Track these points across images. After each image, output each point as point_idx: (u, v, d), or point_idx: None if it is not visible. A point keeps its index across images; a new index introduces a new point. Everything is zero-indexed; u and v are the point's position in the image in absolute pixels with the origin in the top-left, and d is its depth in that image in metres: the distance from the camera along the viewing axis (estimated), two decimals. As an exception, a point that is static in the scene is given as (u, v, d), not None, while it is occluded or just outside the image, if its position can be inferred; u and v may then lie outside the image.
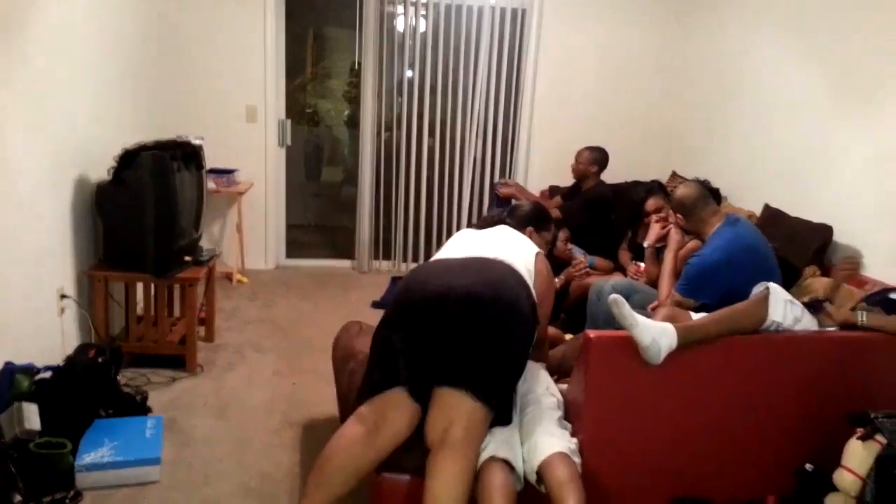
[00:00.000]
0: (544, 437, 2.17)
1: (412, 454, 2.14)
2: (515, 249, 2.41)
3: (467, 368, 2.07)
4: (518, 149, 5.41)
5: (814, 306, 2.51)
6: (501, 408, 2.17)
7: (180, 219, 3.36)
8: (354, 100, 5.35)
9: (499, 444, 2.16)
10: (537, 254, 2.47)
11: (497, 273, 2.24)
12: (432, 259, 2.44)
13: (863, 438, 2.13)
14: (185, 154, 3.47)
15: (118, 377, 3.01)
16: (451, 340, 2.09)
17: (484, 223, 2.77)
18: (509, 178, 5.39)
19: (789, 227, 3.60)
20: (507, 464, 2.12)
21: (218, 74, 4.87)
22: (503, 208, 4.79)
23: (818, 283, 3.09)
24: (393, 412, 2.11)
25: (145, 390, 3.09)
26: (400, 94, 5.19)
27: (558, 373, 2.68)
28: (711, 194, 3.21)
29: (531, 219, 2.82)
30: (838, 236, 3.41)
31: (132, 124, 3.89)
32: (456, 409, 2.05)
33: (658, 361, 2.22)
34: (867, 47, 3.35)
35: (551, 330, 3.29)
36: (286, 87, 5.24)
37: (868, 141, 3.33)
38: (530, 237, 2.65)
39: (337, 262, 5.64)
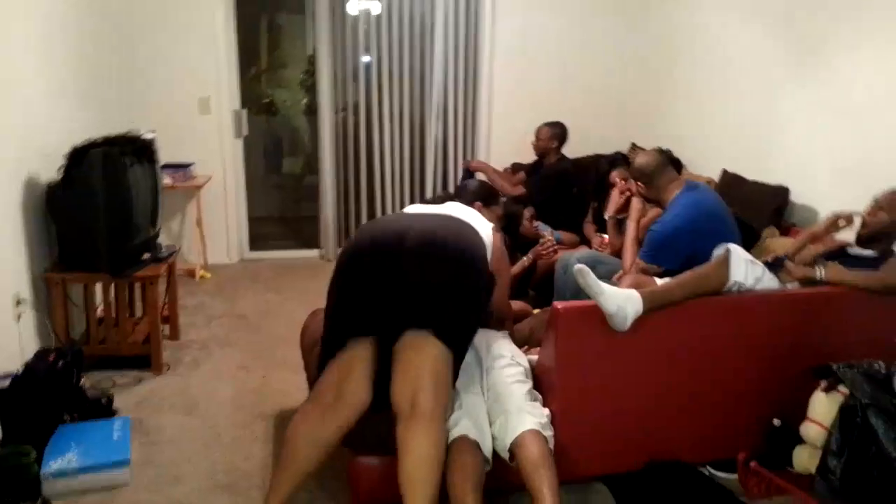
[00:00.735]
0: (515, 413, 2.18)
1: (377, 423, 2.12)
2: (471, 217, 2.40)
3: (429, 308, 2.07)
4: (479, 128, 5.40)
5: (774, 264, 2.54)
6: (460, 353, 2.15)
7: (135, 216, 3.29)
8: (312, 88, 5.27)
9: (468, 423, 2.15)
10: (493, 227, 2.47)
11: (454, 223, 2.27)
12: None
13: (826, 390, 2.18)
14: (136, 149, 3.38)
15: (81, 381, 2.94)
16: (409, 280, 2.08)
17: (432, 201, 2.78)
18: (472, 157, 5.39)
19: (747, 190, 3.65)
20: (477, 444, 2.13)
21: (168, 66, 4.76)
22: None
23: (777, 244, 3.14)
24: (350, 381, 2.09)
25: (110, 392, 3.02)
26: (356, 79, 5.13)
27: (528, 344, 2.69)
28: (672, 163, 3.23)
29: (479, 194, 2.86)
30: (795, 197, 3.46)
31: (81, 121, 3.77)
32: (424, 359, 2.03)
33: (625, 328, 2.24)
34: (814, 10, 3.38)
35: (518, 304, 3.30)
36: (241, 77, 5.14)
37: (818, 102, 3.38)
38: (480, 212, 2.65)
39: (303, 252, 5.58)
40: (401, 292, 2.08)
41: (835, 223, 2.81)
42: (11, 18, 3.10)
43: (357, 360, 2.11)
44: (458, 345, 2.13)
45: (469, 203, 2.71)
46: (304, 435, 2.07)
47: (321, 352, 2.23)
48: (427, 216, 2.35)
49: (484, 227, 2.39)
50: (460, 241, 2.20)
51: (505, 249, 2.57)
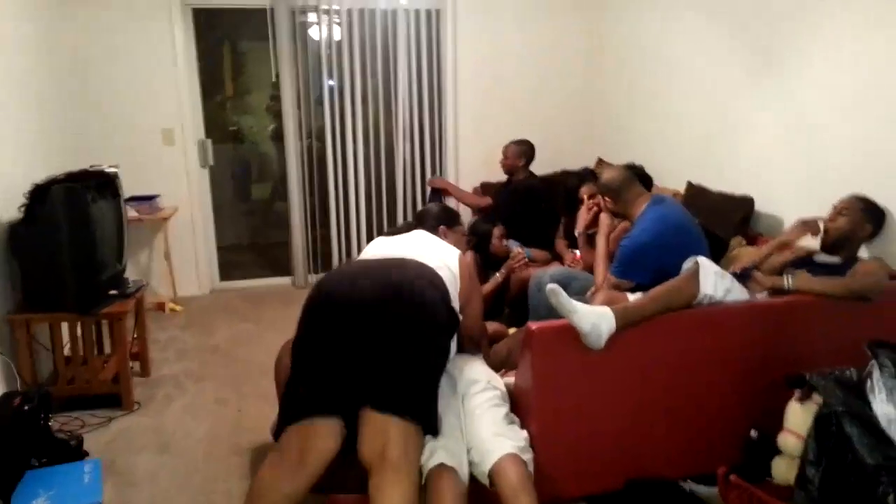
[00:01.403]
0: (493, 438, 2.16)
1: (353, 471, 2.09)
2: (431, 250, 2.38)
3: (385, 387, 2.04)
4: (446, 148, 5.41)
5: (742, 275, 2.57)
6: (428, 420, 2.13)
7: (100, 251, 3.23)
8: (278, 114, 5.24)
9: (444, 452, 2.13)
10: (459, 255, 2.46)
11: (404, 273, 2.21)
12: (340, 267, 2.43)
13: (801, 400, 2.19)
14: (99, 184, 3.33)
15: (49, 423, 2.86)
16: (358, 354, 2.06)
17: (397, 231, 2.75)
18: (441, 176, 5.41)
19: (713, 201, 3.70)
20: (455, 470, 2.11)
21: (128, 98, 4.70)
22: (438, 200, 4.83)
23: (745, 253, 3.18)
24: (316, 438, 2.06)
25: (80, 434, 2.95)
26: (321, 103, 5.11)
27: (504, 367, 2.68)
28: (644, 181, 3.27)
29: (440, 218, 2.84)
30: (760, 206, 3.51)
31: (41, 157, 3.71)
32: (386, 430, 2.01)
33: (600, 346, 2.24)
34: (773, 21, 3.46)
35: (494, 325, 3.30)
36: (205, 105, 5.09)
37: (779, 112, 3.45)
38: (444, 236, 2.66)
39: (274, 280, 5.52)
40: (355, 363, 2.06)
41: (801, 230, 2.86)
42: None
43: (320, 420, 2.08)
44: (423, 410, 2.11)
45: (433, 229, 2.71)
46: (275, 496, 2.03)
47: (281, 410, 2.18)
48: (375, 272, 2.23)
49: (450, 256, 2.38)
50: (417, 294, 2.14)
51: (475, 273, 2.55)
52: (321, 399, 2.08)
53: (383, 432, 2.01)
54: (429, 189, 5.35)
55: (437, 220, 2.83)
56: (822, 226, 2.81)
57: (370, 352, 2.06)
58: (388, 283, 2.15)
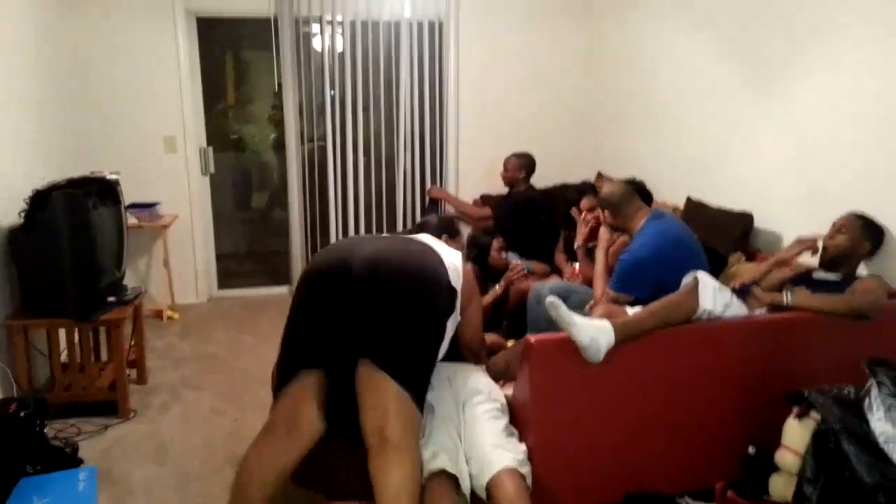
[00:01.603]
0: (492, 451, 2.16)
1: (353, 474, 2.08)
2: (437, 246, 2.36)
3: (382, 343, 2.04)
4: (447, 160, 5.42)
5: (741, 291, 2.57)
6: (421, 392, 2.12)
7: (100, 258, 3.23)
8: (279, 123, 5.25)
9: (447, 457, 2.13)
10: (464, 259, 2.45)
11: (415, 245, 2.24)
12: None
13: (799, 416, 2.19)
14: (100, 190, 3.34)
15: (45, 430, 2.84)
16: (359, 308, 2.06)
17: (408, 234, 2.76)
18: (441, 187, 5.42)
19: (712, 217, 3.71)
20: (454, 479, 2.10)
21: (131, 105, 4.71)
22: (434, 212, 4.84)
23: (744, 269, 3.18)
24: (302, 413, 2.08)
25: (75, 441, 2.94)
26: (323, 113, 5.13)
27: (503, 378, 2.68)
28: (644, 196, 3.28)
29: (443, 228, 2.81)
30: (759, 222, 3.52)
31: (42, 163, 3.71)
32: (385, 401, 2.01)
33: (599, 359, 2.25)
34: (773, 37, 3.48)
35: (492, 337, 3.29)
36: (207, 113, 5.11)
37: (779, 128, 3.46)
38: (448, 244, 2.63)
39: (273, 289, 5.51)
40: (351, 321, 2.07)
41: (799, 248, 2.86)
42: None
43: (307, 392, 2.09)
44: (417, 382, 2.10)
45: (436, 237, 2.71)
46: (258, 464, 2.07)
47: (275, 381, 2.20)
48: (382, 238, 2.33)
49: (453, 256, 2.35)
50: (415, 261, 2.16)
51: (476, 284, 2.55)
52: (310, 355, 2.11)
53: (382, 403, 2.01)
54: (427, 199, 5.37)
55: (440, 229, 2.82)
56: (820, 244, 2.81)
57: (369, 318, 2.05)
58: (388, 248, 2.17)
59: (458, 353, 2.75)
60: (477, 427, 2.28)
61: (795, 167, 3.36)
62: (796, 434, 2.17)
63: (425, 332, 2.13)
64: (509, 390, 2.49)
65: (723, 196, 3.76)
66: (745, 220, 3.54)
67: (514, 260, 4.15)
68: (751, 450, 2.38)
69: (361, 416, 2.03)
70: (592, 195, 3.95)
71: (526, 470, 2.17)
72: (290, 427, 2.08)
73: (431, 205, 5.26)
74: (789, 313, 2.53)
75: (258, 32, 5.03)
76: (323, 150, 5.18)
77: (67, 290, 3.13)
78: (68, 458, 2.80)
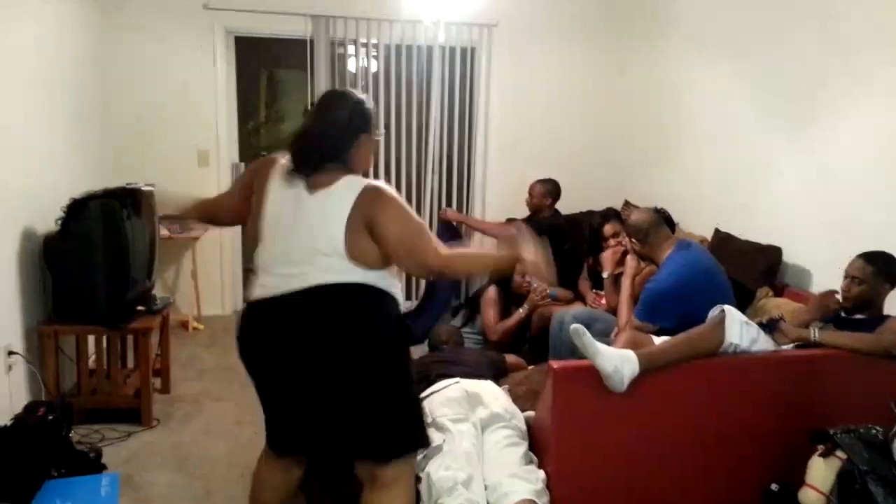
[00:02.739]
0: (509, 480, 2.16)
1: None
2: (324, 234, 1.92)
3: (352, 442, 2.00)
4: (474, 184, 5.46)
5: (768, 326, 2.56)
6: (413, 445, 2.09)
7: (132, 268, 3.28)
8: (309, 140, 5.33)
9: (462, 489, 2.13)
10: (361, 196, 1.90)
11: (310, 303, 1.95)
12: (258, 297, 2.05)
13: (824, 455, 2.16)
14: (135, 201, 3.40)
15: (70, 434, 2.89)
16: (306, 407, 2.01)
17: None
18: (467, 212, 5.44)
19: (740, 249, 3.69)
20: None
21: (168, 120, 4.82)
22: (447, 234, 4.82)
23: (772, 304, 3.16)
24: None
25: (99, 447, 2.98)
26: (354, 133, 5.19)
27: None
28: (666, 222, 3.28)
29: (351, 121, 2.02)
30: (787, 257, 3.50)
31: (80, 173, 3.81)
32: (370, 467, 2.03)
33: (622, 389, 2.24)
34: (803, 68, 3.48)
35: (512, 358, 3.32)
36: (239, 130, 5.21)
37: (808, 163, 3.45)
38: (356, 154, 2.02)
39: (296, 305, 5.54)
40: (314, 416, 2.02)
41: (820, 309, 2.82)
42: (15, 72, 3.16)
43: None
44: (407, 448, 2.05)
45: (346, 142, 2.01)
46: (268, 480, 2.20)
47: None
48: (283, 312, 1.99)
49: (337, 230, 1.90)
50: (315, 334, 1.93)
51: (395, 201, 1.96)
52: (296, 446, 2.13)
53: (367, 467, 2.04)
54: (438, 221, 5.26)
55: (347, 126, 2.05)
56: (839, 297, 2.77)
57: (316, 405, 1.99)
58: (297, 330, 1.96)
59: (482, 369, 2.76)
60: (495, 454, 2.29)
61: (824, 202, 3.34)
62: (821, 473, 2.14)
63: (384, 396, 1.98)
64: (531, 413, 2.49)
65: (751, 229, 3.74)
66: (774, 253, 3.51)
67: (537, 285, 4.15)
68: (774, 487, 2.35)
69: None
70: (616, 221, 3.96)
71: (544, 500, 2.16)
72: (287, 460, 2.18)
73: (443, 228, 5.13)
74: (817, 350, 2.50)
75: (293, 52, 5.13)
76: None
77: (98, 298, 3.19)
78: (92, 464, 2.83)
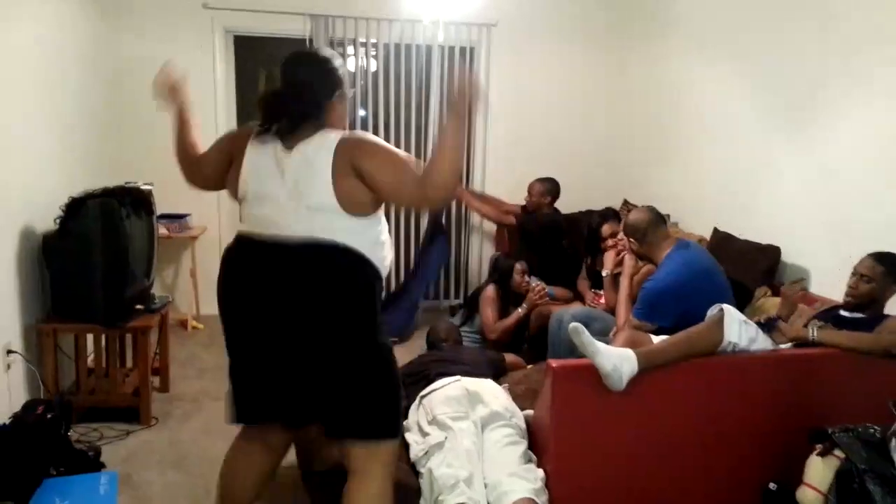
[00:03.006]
0: (509, 479, 2.16)
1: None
2: (310, 188, 1.89)
3: (333, 413, 1.99)
4: (474, 182, 5.45)
5: (766, 325, 2.56)
6: (391, 431, 2.05)
7: (131, 266, 3.29)
8: (308, 140, 5.33)
9: (464, 486, 2.13)
10: (341, 144, 1.88)
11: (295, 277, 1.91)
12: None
13: (822, 454, 2.16)
14: (134, 200, 3.40)
15: (69, 433, 2.89)
16: (288, 375, 1.98)
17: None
18: (464, 212, 5.44)
19: (739, 249, 3.69)
20: None
21: (167, 118, 4.79)
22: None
23: (770, 304, 3.16)
24: (273, 431, 2.15)
25: (98, 446, 2.98)
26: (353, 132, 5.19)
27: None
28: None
29: (325, 80, 2.00)
30: (786, 257, 3.50)
31: (79, 172, 3.81)
32: (347, 446, 2.02)
33: (621, 387, 2.24)
34: (802, 68, 3.48)
35: (511, 357, 3.32)
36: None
37: (808, 163, 3.45)
38: (332, 113, 1.99)
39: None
40: (296, 386, 1.99)
41: (789, 307, 2.87)
42: (15, 71, 3.16)
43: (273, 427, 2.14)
44: (386, 432, 2.02)
45: (316, 108, 1.99)
46: (242, 470, 2.17)
47: (231, 397, 2.15)
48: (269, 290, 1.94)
49: (323, 180, 1.87)
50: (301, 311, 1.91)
51: (384, 148, 1.96)
52: (267, 412, 2.08)
53: (344, 447, 2.04)
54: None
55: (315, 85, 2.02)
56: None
57: (300, 375, 1.97)
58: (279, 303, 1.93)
59: (481, 368, 2.76)
60: (495, 453, 2.29)
61: (823, 202, 3.34)
62: (819, 472, 2.15)
63: (369, 376, 1.97)
64: (531, 412, 2.49)
65: (750, 228, 3.75)
66: (773, 253, 3.52)
67: (536, 284, 4.15)
68: (772, 485, 2.36)
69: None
70: (614, 221, 3.97)
71: (543, 499, 2.16)
72: (266, 442, 2.16)
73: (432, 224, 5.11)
74: (815, 349, 2.51)
75: (293, 51, 5.12)
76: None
77: (97, 297, 3.19)
78: (91, 462, 2.84)
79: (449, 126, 1.87)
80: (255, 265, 1.95)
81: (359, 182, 1.88)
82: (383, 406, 2.00)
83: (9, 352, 3.02)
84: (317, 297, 1.88)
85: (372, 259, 1.94)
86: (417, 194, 1.88)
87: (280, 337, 1.94)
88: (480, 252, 5.51)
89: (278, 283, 1.90)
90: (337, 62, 2.02)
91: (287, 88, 1.97)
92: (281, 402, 2.02)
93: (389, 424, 2.02)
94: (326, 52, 2.04)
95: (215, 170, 2.14)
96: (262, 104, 1.99)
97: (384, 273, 2.00)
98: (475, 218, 5.42)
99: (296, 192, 1.89)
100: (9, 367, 3.02)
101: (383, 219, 2.03)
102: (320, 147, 1.89)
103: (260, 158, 1.96)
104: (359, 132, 1.97)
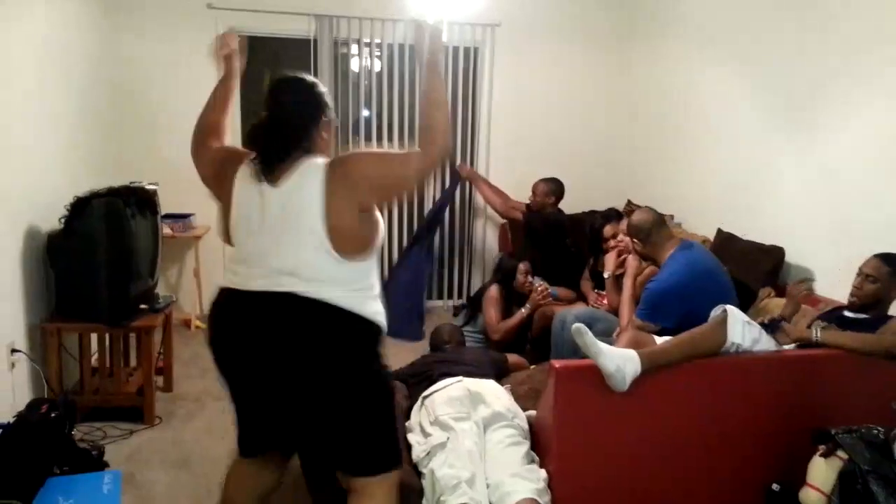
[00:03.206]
0: (511, 479, 2.16)
1: None
2: (301, 225, 1.83)
3: (331, 454, 1.97)
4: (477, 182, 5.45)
5: (770, 326, 2.56)
6: (390, 465, 2.00)
7: (135, 266, 3.30)
8: (312, 140, 5.34)
9: (466, 487, 2.13)
10: (329, 173, 1.83)
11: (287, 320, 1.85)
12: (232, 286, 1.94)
13: (825, 455, 2.16)
14: (138, 200, 3.41)
15: (73, 432, 2.90)
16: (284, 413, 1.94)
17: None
18: (470, 210, 5.44)
19: (742, 249, 3.69)
20: None
21: (172, 118, 4.79)
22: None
23: (774, 304, 3.16)
24: (273, 458, 2.14)
25: (101, 445, 2.99)
26: (357, 132, 5.21)
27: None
28: None
29: (310, 106, 1.96)
30: (790, 257, 3.49)
31: (84, 172, 3.82)
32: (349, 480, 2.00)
33: (624, 388, 2.24)
34: (805, 69, 3.48)
35: (514, 357, 3.32)
36: (242, 129, 5.21)
37: (810, 163, 3.45)
38: (318, 139, 1.96)
39: (299, 304, 5.54)
40: (292, 424, 1.96)
41: (792, 307, 2.88)
42: (20, 71, 3.17)
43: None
44: (385, 466, 1.97)
45: (304, 133, 1.95)
46: (241, 488, 2.14)
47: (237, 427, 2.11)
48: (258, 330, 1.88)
49: (313, 215, 1.81)
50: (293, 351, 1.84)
51: (352, 156, 1.98)
52: (265, 444, 2.08)
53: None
54: (451, 175, 5.19)
55: (303, 109, 1.98)
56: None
57: (299, 420, 1.93)
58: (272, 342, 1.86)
59: (483, 369, 2.76)
60: (497, 453, 2.29)
61: (827, 203, 3.34)
62: (822, 473, 2.14)
63: (365, 413, 1.91)
64: (532, 412, 2.49)
65: (754, 229, 3.74)
66: (777, 254, 3.51)
67: (539, 284, 4.15)
68: (775, 486, 2.35)
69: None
70: (617, 221, 3.96)
71: (546, 500, 2.16)
72: (264, 462, 2.13)
73: (455, 180, 5.11)
74: (818, 350, 2.50)
75: (296, 52, 5.13)
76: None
77: (101, 296, 3.20)
78: (94, 461, 2.84)
79: (434, 82, 1.92)
80: (240, 319, 1.88)
81: (354, 205, 1.82)
82: (383, 443, 1.98)
83: (13, 351, 3.03)
84: (306, 357, 1.83)
85: (363, 314, 1.86)
86: (421, 160, 1.86)
87: (274, 387, 1.90)
88: (484, 252, 5.52)
89: (266, 338, 1.85)
90: (321, 88, 1.98)
91: (274, 116, 1.92)
92: (281, 439, 2.05)
93: (391, 458, 1.99)
94: (310, 78, 2.00)
95: (211, 162, 2.09)
96: (250, 138, 1.93)
97: (384, 327, 1.92)
98: (478, 218, 5.42)
99: (284, 230, 1.83)
100: (13, 365, 3.03)
101: (375, 268, 1.95)
102: (308, 182, 1.82)
103: (246, 199, 1.89)
104: (341, 155, 1.92)
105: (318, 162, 1.86)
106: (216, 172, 2.03)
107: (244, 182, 1.90)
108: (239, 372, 1.97)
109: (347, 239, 1.82)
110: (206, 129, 2.22)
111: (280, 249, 1.83)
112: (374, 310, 1.90)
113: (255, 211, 1.87)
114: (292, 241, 1.82)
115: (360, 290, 1.87)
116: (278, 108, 1.92)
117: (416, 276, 4.74)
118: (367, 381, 1.91)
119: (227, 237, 1.97)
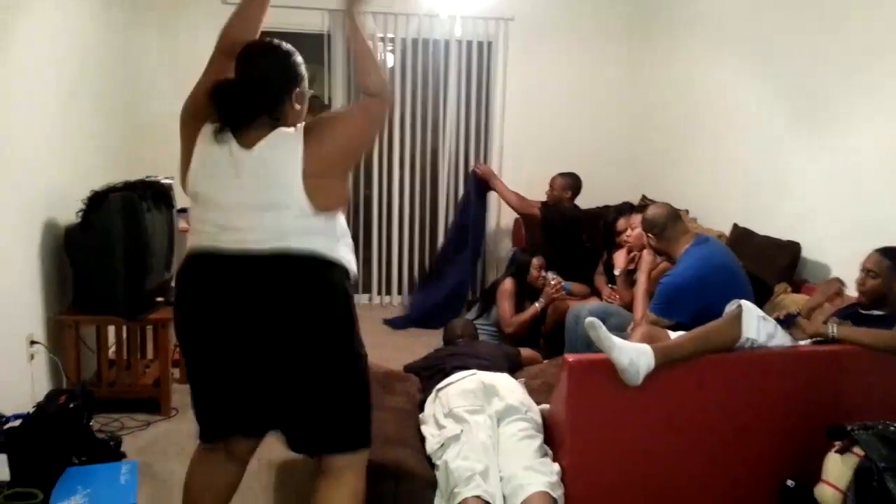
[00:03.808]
0: (524, 473, 2.16)
1: None
2: (277, 185, 1.81)
3: (300, 431, 1.94)
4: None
5: (785, 321, 2.54)
6: (361, 443, 1.98)
7: (151, 260, 3.32)
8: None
9: (480, 480, 2.14)
10: (307, 135, 1.82)
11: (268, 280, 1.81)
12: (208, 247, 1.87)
13: (841, 451, 2.15)
14: (155, 194, 3.44)
15: (91, 423, 2.93)
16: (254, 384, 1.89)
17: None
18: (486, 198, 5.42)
19: (758, 245, 3.66)
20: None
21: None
22: (477, 191, 4.83)
23: (790, 300, 3.14)
24: (239, 441, 2.07)
25: (119, 435, 3.02)
26: (371, 127, 5.21)
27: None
28: None
29: (284, 74, 1.92)
30: (806, 253, 3.47)
31: (101, 166, 3.85)
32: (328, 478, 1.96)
33: (637, 382, 2.23)
34: (821, 64, 3.45)
35: (528, 352, 3.32)
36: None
37: (828, 157, 3.42)
38: (291, 110, 1.91)
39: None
40: (262, 395, 1.91)
41: (824, 297, 2.82)
42: (39, 66, 3.20)
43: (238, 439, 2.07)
44: (356, 444, 1.95)
45: (276, 104, 1.91)
46: (208, 481, 2.10)
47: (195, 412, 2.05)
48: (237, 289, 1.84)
49: (291, 179, 1.79)
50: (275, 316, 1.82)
51: (328, 117, 2.00)
52: (232, 425, 2.00)
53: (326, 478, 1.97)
54: (470, 175, 5.16)
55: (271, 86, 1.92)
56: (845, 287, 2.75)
57: (272, 389, 1.89)
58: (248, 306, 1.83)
59: (497, 362, 2.77)
60: (510, 446, 2.29)
61: (843, 199, 3.31)
62: (837, 469, 2.13)
63: (339, 390, 1.89)
64: (547, 406, 2.50)
65: (770, 224, 3.72)
66: (793, 249, 3.49)
67: (553, 279, 4.14)
68: (790, 483, 2.34)
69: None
70: (629, 215, 3.95)
71: (559, 493, 2.17)
72: (230, 453, 2.08)
73: (475, 181, 5.06)
74: (834, 346, 2.48)
75: (310, 47, 5.14)
76: (368, 163, 5.26)
77: (118, 289, 3.23)
78: (112, 452, 2.87)
79: (357, 34, 1.93)
80: (219, 281, 1.84)
81: (333, 163, 1.83)
82: (358, 419, 1.95)
83: (32, 342, 3.07)
84: (293, 311, 1.81)
85: (342, 261, 1.87)
86: (377, 104, 1.92)
87: (253, 352, 1.85)
88: (497, 246, 5.51)
89: (249, 299, 1.81)
90: (298, 58, 1.93)
91: (243, 79, 1.86)
92: (250, 415, 1.96)
93: (363, 436, 1.97)
94: (287, 45, 1.94)
95: (206, 94, 1.94)
96: (213, 96, 1.85)
97: (354, 275, 1.92)
98: (493, 213, 5.42)
99: (257, 192, 1.80)
100: (32, 357, 3.07)
101: (342, 217, 1.94)
102: (285, 140, 1.80)
103: (212, 158, 1.84)
104: (317, 118, 1.91)
105: (290, 130, 1.83)
106: (196, 112, 1.96)
107: (209, 146, 1.85)
108: (214, 340, 1.88)
109: (324, 196, 1.82)
110: (226, 50, 2.07)
111: (253, 211, 1.81)
112: (345, 255, 1.90)
113: (223, 175, 1.82)
114: (268, 199, 1.80)
115: (334, 236, 1.88)
116: (249, 69, 1.87)
117: (461, 282, 4.99)
118: (350, 348, 1.90)
119: (191, 194, 1.93)
